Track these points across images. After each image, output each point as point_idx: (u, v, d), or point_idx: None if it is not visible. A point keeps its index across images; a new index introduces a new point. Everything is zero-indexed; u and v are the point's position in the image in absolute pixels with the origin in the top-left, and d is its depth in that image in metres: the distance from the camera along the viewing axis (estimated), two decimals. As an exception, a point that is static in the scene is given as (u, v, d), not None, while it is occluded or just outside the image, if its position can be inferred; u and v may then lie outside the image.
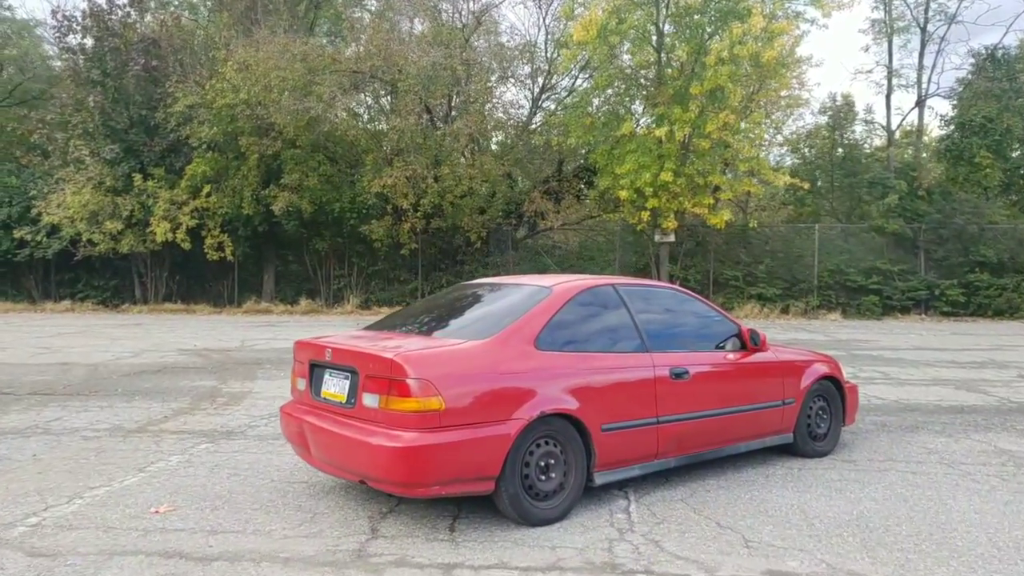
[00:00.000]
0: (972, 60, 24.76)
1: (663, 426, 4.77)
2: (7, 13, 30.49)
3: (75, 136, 22.22)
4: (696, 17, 19.35)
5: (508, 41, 24.54)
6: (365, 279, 23.63)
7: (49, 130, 22.88)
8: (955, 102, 24.58)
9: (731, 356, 5.38)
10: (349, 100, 21.47)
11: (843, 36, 46.24)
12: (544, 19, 25.65)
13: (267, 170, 21.90)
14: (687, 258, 22.61)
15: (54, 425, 6.78)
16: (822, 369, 5.96)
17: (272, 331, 16.31)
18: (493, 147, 24.47)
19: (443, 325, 4.87)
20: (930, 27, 24.82)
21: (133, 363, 10.97)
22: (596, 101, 21.53)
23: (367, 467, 4.03)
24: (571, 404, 4.32)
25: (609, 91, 21.12)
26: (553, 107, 24.58)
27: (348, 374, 4.28)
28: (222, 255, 21.95)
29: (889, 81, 25.37)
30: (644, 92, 20.90)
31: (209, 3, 27.22)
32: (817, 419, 5.86)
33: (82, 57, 22.54)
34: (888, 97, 25.47)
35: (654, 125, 19.65)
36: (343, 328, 13.11)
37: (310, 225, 22.94)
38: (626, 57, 20.69)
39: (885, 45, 25.82)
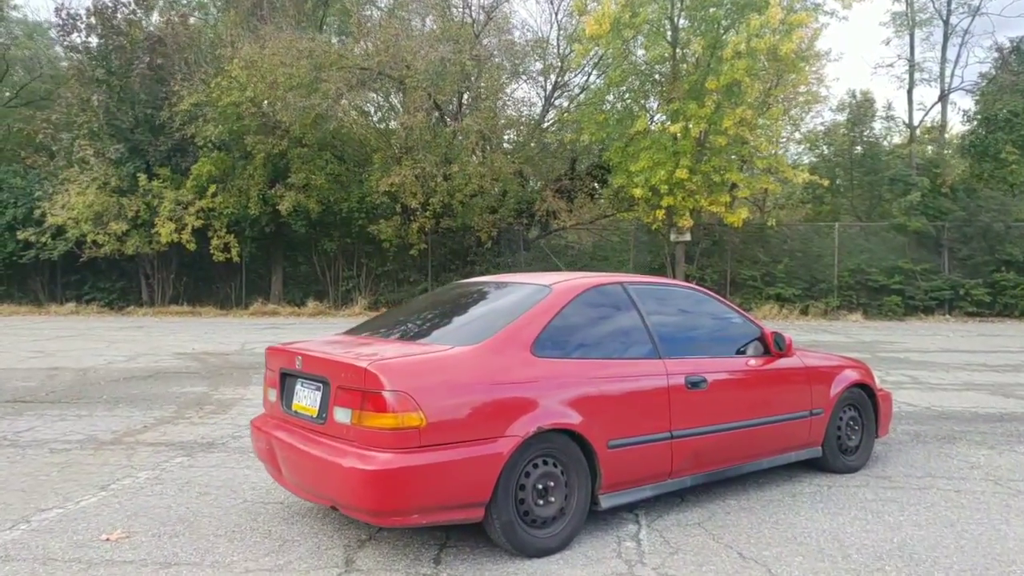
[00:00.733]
0: (996, 53, 23.99)
1: (678, 441, 4.24)
2: (16, 14, 30.39)
3: (80, 136, 21.96)
4: (712, 10, 18.78)
5: (519, 36, 24.07)
6: (374, 280, 23.23)
7: (54, 130, 22.64)
8: (978, 96, 23.80)
9: (753, 362, 4.83)
10: (356, 97, 21.05)
11: (862, 30, 45.39)
12: (556, 15, 25.06)
13: (274, 169, 21.55)
14: (703, 258, 22.02)
15: (24, 436, 6.34)
16: (853, 375, 5.39)
17: (276, 334, 15.88)
18: (505, 145, 23.98)
19: (430, 329, 4.35)
20: (953, 19, 24.08)
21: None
22: (610, 97, 21.00)
23: (337, 492, 3.52)
24: (573, 418, 3.80)
25: (623, 87, 20.57)
26: (566, 104, 24.07)
27: (320, 384, 3.79)
28: (228, 256, 21.61)
29: (911, 75, 24.62)
30: (659, 88, 20.35)
31: (219, 2, 26.91)
32: (848, 431, 5.30)
33: (87, 56, 22.27)
34: (910, 92, 24.71)
35: (669, 121, 19.11)
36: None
37: (318, 225, 22.59)
38: (640, 52, 20.15)
39: (906, 38, 25.11)
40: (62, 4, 22.47)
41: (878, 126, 27.81)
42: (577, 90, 23.83)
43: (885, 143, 27.26)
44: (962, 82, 24.62)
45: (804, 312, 20.57)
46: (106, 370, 10.32)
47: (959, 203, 21.89)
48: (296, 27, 21.47)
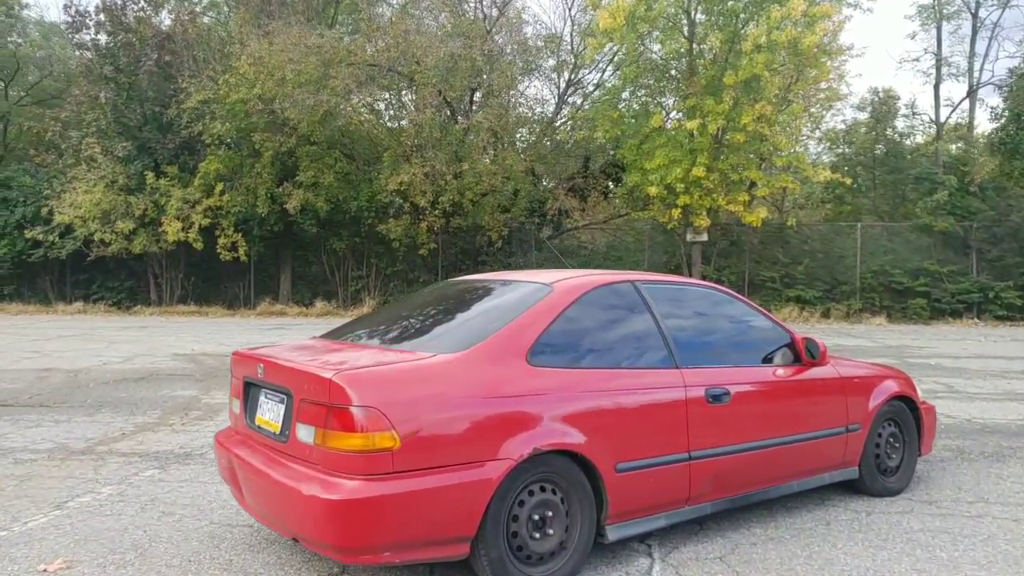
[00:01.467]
0: (1027, 47, 23.24)
1: (696, 463, 3.71)
2: (32, 15, 30.34)
3: (88, 134, 21.69)
4: (731, 3, 18.18)
5: (532, 32, 23.56)
6: (384, 280, 22.82)
7: (63, 128, 22.38)
8: (1008, 92, 23.01)
9: (782, 372, 4.29)
10: (365, 94, 20.63)
11: (886, 24, 44.50)
12: (570, 10, 24.54)
13: (282, 167, 21.17)
14: (721, 258, 21.40)
15: (-10, 444, 5.91)
16: (893, 387, 4.83)
17: (281, 334, 15.45)
18: (517, 143, 23.47)
19: (412, 333, 3.83)
20: (982, 12, 23.37)
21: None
22: (625, 95, 20.43)
23: (297, 523, 3.02)
24: (575, 437, 3.28)
25: (638, 84, 19.98)
26: (579, 102, 23.52)
27: (283, 396, 3.29)
28: (235, 255, 21.26)
29: (938, 70, 23.88)
30: (674, 84, 19.76)
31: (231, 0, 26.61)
32: (888, 448, 4.74)
33: (95, 53, 22.00)
34: (936, 87, 23.97)
35: (685, 118, 18.52)
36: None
37: (327, 224, 22.20)
38: (656, 47, 19.58)
39: (933, 32, 24.39)
40: (71, 1, 22.19)
41: (901, 124, 27.10)
42: (591, 87, 23.31)
43: (908, 142, 26.48)
44: (992, 77, 23.87)
45: (825, 315, 19.91)
46: (99, 371, 9.91)
47: (988, 202, 21.13)
48: (306, 24, 21.09)
